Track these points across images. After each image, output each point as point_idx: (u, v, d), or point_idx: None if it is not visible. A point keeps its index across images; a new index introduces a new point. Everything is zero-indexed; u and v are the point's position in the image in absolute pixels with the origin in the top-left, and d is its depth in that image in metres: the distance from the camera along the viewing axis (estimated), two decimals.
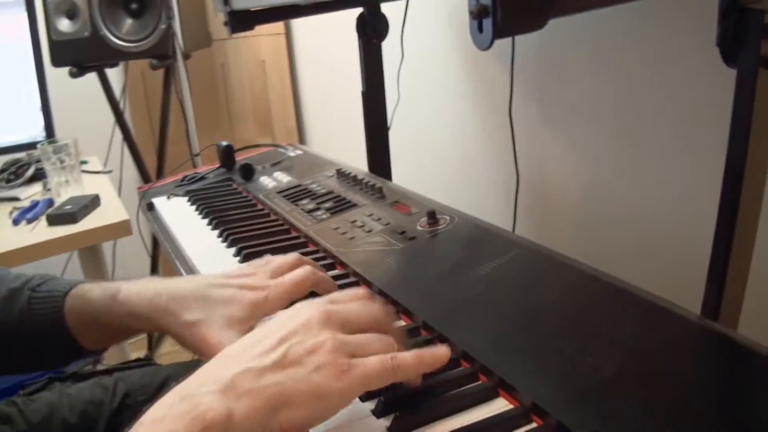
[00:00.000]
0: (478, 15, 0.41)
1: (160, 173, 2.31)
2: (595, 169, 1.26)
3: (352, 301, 0.58)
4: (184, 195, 1.31)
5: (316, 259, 0.86)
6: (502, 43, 1.24)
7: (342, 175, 1.22)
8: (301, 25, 2.60)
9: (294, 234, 1.02)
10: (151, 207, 1.30)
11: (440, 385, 0.57)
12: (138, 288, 0.69)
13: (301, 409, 0.47)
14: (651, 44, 1.08)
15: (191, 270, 0.96)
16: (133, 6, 1.87)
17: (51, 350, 0.74)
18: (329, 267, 0.88)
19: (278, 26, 2.69)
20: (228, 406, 0.45)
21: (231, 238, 1.00)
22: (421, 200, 1.03)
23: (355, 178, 1.17)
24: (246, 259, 0.92)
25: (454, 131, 1.68)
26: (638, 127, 1.14)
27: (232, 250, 0.97)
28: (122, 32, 1.86)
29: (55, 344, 0.73)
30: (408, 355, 0.53)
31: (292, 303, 0.70)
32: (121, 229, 1.37)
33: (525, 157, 1.35)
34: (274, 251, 0.94)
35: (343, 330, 0.53)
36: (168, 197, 1.32)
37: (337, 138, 2.48)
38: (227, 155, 1.45)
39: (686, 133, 1.05)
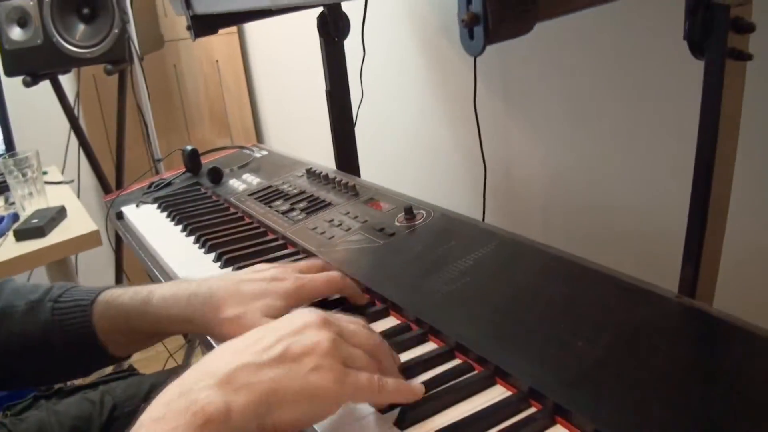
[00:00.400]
0: (469, 23, 0.43)
1: (119, 180, 2.28)
2: (561, 159, 1.29)
3: (352, 323, 0.59)
4: (153, 202, 1.30)
5: (298, 261, 0.87)
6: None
7: (312, 174, 1.22)
8: (254, 23, 2.57)
9: (271, 236, 1.02)
10: (120, 216, 1.28)
11: (438, 378, 0.59)
12: (171, 290, 0.71)
13: (293, 408, 0.48)
14: (616, 36, 1.11)
15: (170, 278, 0.96)
16: (85, 11, 1.84)
17: (78, 359, 0.74)
18: None
19: None
20: (226, 400, 0.46)
21: (209, 243, 1.00)
22: (395, 196, 1.03)
23: (326, 177, 1.17)
24: (227, 264, 0.93)
25: (419, 125, 1.69)
26: (603, 115, 1.17)
27: (211, 255, 0.97)
28: (75, 38, 1.82)
29: (82, 353, 0.73)
30: (391, 383, 0.54)
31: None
32: (90, 240, 1.35)
33: (491, 149, 1.37)
34: (254, 255, 0.95)
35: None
36: (137, 205, 1.30)
37: (296, 136, 2.48)
38: (193, 159, 1.44)
39: (653, 121, 1.08)
